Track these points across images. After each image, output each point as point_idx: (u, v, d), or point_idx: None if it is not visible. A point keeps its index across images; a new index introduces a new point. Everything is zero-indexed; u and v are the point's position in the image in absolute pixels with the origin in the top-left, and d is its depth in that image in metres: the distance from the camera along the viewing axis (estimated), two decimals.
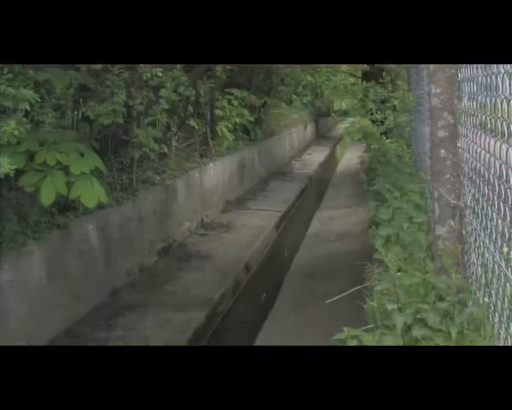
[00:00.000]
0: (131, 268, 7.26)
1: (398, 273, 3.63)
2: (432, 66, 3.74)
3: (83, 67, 5.61)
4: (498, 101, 2.52)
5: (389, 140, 7.93)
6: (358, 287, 4.19)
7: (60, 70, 5.56)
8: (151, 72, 6.10)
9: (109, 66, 5.88)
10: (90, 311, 6.19)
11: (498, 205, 2.62)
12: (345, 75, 14.50)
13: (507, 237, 2.51)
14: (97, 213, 6.53)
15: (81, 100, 6.62)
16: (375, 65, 8.92)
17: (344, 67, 14.02)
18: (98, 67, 5.73)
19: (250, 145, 13.85)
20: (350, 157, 18.20)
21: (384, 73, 8.85)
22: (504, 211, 2.52)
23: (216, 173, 11.02)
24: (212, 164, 10.79)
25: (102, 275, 6.59)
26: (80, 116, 6.85)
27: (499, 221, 2.63)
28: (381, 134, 7.90)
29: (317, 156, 19.81)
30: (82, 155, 5.54)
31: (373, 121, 8.13)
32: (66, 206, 6.10)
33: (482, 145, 2.90)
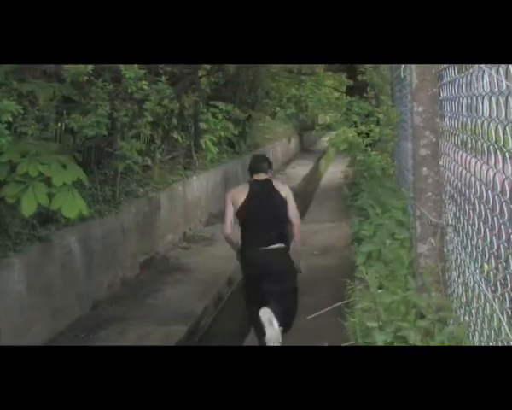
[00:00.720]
0: (113, 281, 7.22)
1: (379, 290, 3.64)
2: (414, 84, 3.77)
3: (67, 79, 5.59)
4: (479, 122, 2.54)
5: (374, 152, 7.97)
6: (340, 303, 4.19)
7: (43, 82, 5.54)
8: (136, 85, 6.09)
9: (93, 78, 5.86)
10: (71, 324, 6.14)
11: (479, 225, 2.64)
12: (329, 89, 14.57)
13: (487, 256, 2.53)
14: (79, 226, 6.49)
15: (64, 112, 6.59)
16: (360, 79, 8.98)
17: (328, 81, 14.11)
18: (85, 78, 5.71)
19: (234, 158, 13.86)
20: (334, 171, 18.27)
21: (368, 88, 8.92)
22: (484, 231, 2.54)
23: (199, 186, 11.00)
24: (195, 177, 10.78)
25: (84, 288, 6.54)
26: (64, 128, 6.82)
27: (479, 241, 2.65)
28: (366, 146, 7.94)
29: (300, 170, 19.84)
30: (64, 166, 5.51)
31: (358, 133, 8.17)
32: (47, 218, 6.06)
33: (463, 165, 2.93)
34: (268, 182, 5.25)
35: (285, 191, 5.23)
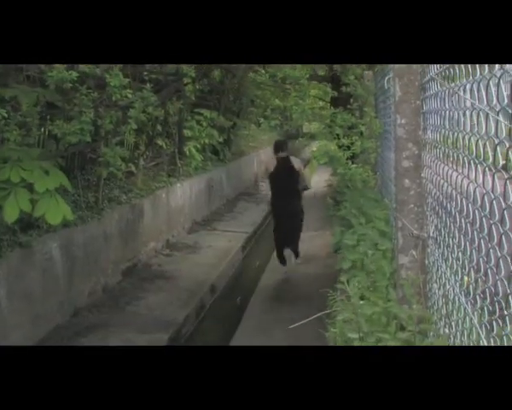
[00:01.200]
0: (94, 288, 7.18)
1: (361, 302, 3.65)
2: (397, 96, 3.79)
3: (51, 85, 5.55)
4: (460, 136, 2.57)
5: (355, 165, 8.02)
6: (321, 313, 4.19)
7: (27, 87, 5.51)
8: (120, 93, 6.06)
9: (77, 85, 5.83)
10: (51, 331, 6.09)
11: (459, 238, 2.66)
12: (314, 99, 14.61)
13: (467, 269, 2.55)
14: (61, 232, 6.45)
15: (48, 117, 6.55)
16: (344, 90, 9.01)
17: (313, 90, 14.14)
18: (69, 85, 5.68)
19: (218, 166, 13.85)
20: (318, 180, 18.27)
21: (352, 100, 8.95)
22: (465, 245, 2.55)
23: (183, 193, 10.98)
24: (179, 184, 10.75)
25: (65, 295, 6.49)
26: (47, 133, 6.78)
27: (460, 254, 2.67)
28: (347, 159, 7.99)
29: None
30: (47, 172, 5.48)
31: (339, 146, 8.21)
32: (29, 224, 6.01)
33: (445, 178, 2.95)
34: (286, 159, 8.31)
35: (297, 165, 8.38)
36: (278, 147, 8.46)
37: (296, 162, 8.37)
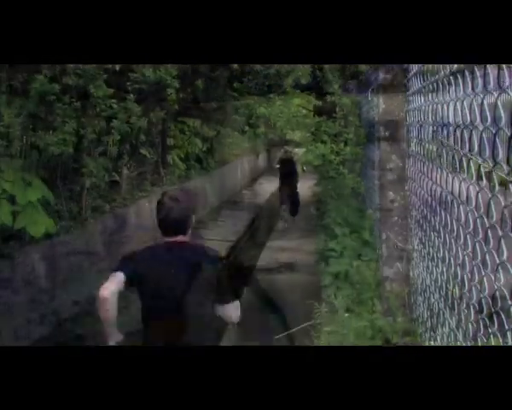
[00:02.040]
0: (78, 299, 7.11)
1: (346, 314, 3.66)
2: (381, 108, 3.82)
3: (34, 96, 5.51)
4: (444, 152, 2.58)
5: (346, 170, 8.02)
6: (307, 324, 4.20)
7: (9, 97, 5.46)
8: (105, 103, 6.02)
9: (60, 95, 5.79)
10: (34, 343, 6.02)
11: (443, 253, 2.67)
12: (297, 108, 14.67)
13: (451, 285, 2.56)
14: (44, 243, 6.38)
15: (30, 128, 6.49)
16: (328, 100, 9.03)
17: (297, 100, 14.19)
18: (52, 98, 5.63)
19: (202, 174, 13.83)
20: (301, 186, 18.32)
21: (337, 108, 8.97)
22: (449, 260, 2.56)
23: None
24: None
25: (48, 306, 6.42)
26: (29, 144, 6.72)
27: (444, 269, 2.67)
28: (338, 164, 8.00)
29: (268, 186, 19.85)
30: (29, 184, 5.43)
31: (330, 151, 8.22)
32: (10, 235, 5.95)
33: (428, 192, 2.96)
34: (289, 155, 13.13)
35: (295, 158, 12.93)
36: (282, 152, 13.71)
37: (295, 156, 13.10)
